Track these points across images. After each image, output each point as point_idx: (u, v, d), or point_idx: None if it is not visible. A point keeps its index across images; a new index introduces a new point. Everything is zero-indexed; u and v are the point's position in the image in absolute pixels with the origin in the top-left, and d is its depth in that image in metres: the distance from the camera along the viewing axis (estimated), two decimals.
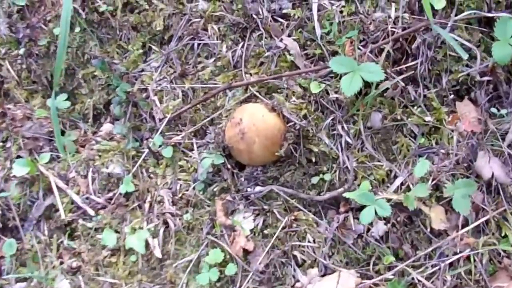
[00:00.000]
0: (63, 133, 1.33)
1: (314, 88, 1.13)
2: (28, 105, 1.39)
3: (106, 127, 1.32)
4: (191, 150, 1.21)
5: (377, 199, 1.05)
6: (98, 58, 1.31)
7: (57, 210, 1.25)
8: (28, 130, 1.33)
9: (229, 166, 1.15)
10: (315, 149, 1.12)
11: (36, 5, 1.41)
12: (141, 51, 1.31)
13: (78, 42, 1.35)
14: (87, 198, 1.24)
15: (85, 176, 1.27)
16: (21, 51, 1.39)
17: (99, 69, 1.30)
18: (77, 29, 1.34)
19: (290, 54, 1.18)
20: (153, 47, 1.31)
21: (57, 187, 1.26)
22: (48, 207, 1.27)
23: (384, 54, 1.12)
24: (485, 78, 1.13)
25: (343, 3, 1.20)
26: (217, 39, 1.24)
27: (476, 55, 1.12)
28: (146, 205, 1.21)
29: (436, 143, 1.13)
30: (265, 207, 1.12)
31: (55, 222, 1.25)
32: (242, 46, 1.22)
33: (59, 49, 1.12)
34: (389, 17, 1.16)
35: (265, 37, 1.22)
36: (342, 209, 1.12)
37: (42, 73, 1.39)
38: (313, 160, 1.13)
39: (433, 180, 1.09)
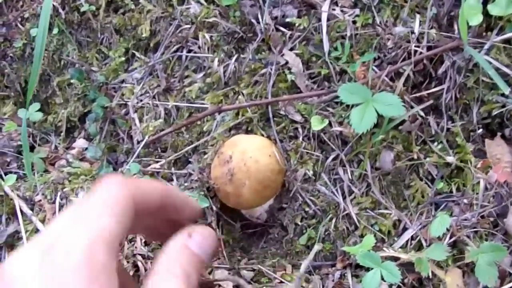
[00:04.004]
0: (32, 148, 1.37)
1: (316, 123, 1.10)
2: None
3: (79, 143, 1.35)
4: (170, 180, 1.22)
5: (383, 261, 1.03)
6: (75, 67, 1.34)
7: (21, 238, 1.30)
8: None
9: (214, 208, 1.15)
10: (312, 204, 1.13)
11: (14, 0, 1.46)
12: (123, 58, 1.33)
13: (56, 45, 1.39)
14: None
15: (53, 202, 1.31)
16: None
17: (76, 79, 1.33)
18: (55, 31, 1.38)
19: (291, 72, 1.17)
20: (137, 54, 1.32)
21: (22, 212, 1.30)
22: (11, 234, 1.32)
23: (403, 79, 1.09)
24: None
25: (357, 11, 1.17)
26: (208, 50, 1.24)
27: None
28: None
29: (458, 190, 1.08)
30: (254, 267, 1.12)
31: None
32: (236, 60, 1.22)
33: (35, 55, 1.16)
34: (412, 32, 1.12)
35: (263, 50, 1.21)
36: (339, 265, 1.10)
37: (16, 78, 1.44)
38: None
39: (451, 236, 1.05)
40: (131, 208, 0.73)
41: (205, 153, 1.19)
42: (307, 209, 1.12)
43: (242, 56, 1.22)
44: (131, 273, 1.19)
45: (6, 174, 1.36)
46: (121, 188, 0.74)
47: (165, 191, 0.83)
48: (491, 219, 1.05)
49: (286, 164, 1.12)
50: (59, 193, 1.30)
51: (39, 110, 1.39)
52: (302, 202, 1.13)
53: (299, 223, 1.13)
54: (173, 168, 1.22)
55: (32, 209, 1.30)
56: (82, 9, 1.35)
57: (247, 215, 1.16)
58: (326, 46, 1.17)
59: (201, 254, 0.83)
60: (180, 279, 0.76)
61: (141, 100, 1.28)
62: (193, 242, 0.79)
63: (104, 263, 0.65)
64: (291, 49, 1.19)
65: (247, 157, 1.05)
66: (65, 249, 0.61)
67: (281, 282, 1.09)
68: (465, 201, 1.07)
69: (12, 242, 1.31)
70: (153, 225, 0.85)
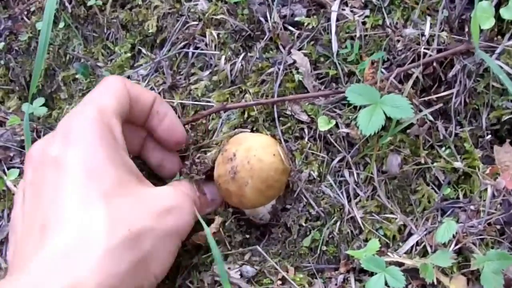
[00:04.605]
0: None
1: (322, 124, 1.11)
2: (2, 107, 1.46)
3: None
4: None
5: (387, 266, 1.03)
6: (81, 62, 1.35)
7: None
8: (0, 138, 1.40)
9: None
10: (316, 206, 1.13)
11: None
12: (129, 54, 1.33)
13: (61, 39, 1.40)
14: None
15: None
16: (1, 45, 1.45)
17: (81, 74, 1.34)
18: (61, 25, 1.39)
19: (298, 72, 1.17)
20: (143, 50, 1.33)
21: None
22: None
23: (411, 81, 1.09)
24: None
25: (367, 12, 1.17)
26: (215, 48, 1.25)
27: None
28: None
29: (465, 196, 1.09)
30: (256, 267, 1.13)
31: None
32: (243, 58, 1.22)
33: (39, 48, 1.17)
34: (423, 34, 1.12)
35: (271, 49, 1.21)
36: (342, 269, 1.10)
37: (21, 72, 1.45)
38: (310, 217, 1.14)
39: (457, 243, 1.05)
40: (126, 95, 1.00)
41: (208, 151, 1.19)
42: (311, 210, 1.13)
43: (249, 54, 1.22)
44: None
45: (9, 168, 1.37)
46: (118, 80, 1.02)
47: (156, 99, 1.08)
48: (498, 226, 1.06)
49: (291, 164, 1.12)
50: None
51: (44, 105, 1.40)
52: (306, 203, 1.13)
53: (304, 224, 1.13)
54: None
55: None
56: (88, 4, 1.36)
57: (250, 216, 1.16)
58: (335, 46, 1.17)
59: (208, 195, 1.12)
60: (196, 194, 1.07)
61: None
62: (204, 184, 1.11)
63: (109, 125, 0.93)
64: (299, 49, 1.19)
65: (251, 155, 1.05)
66: (79, 116, 0.93)
67: (283, 284, 1.09)
68: (472, 207, 1.07)
69: None
70: (148, 146, 1.13)
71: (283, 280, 1.09)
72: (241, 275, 1.08)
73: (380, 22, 1.16)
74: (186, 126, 1.21)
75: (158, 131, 1.10)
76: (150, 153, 1.13)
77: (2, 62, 1.46)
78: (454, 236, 1.05)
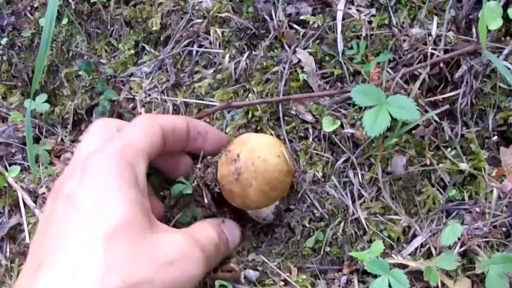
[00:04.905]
0: (38, 139, 1.39)
1: (327, 124, 1.11)
2: (5, 103, 1.46)
3: None
4: None
5: (391, 268, 1.03)
6: (84, 58, 1.35)
7: (23, 230, 1.31)
8: (1, 135, 1.40)
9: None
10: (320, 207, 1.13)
11: None
12: (132, 51, 1.33)
13: (65, 35, 1.40)
14: None
15: None
16: (3, 40, 1.45)
17: (84, 71, 1.34)
18: (65, 21, 1.39)
19: (303, 71, 1.17)
20: (147, 47, 1.33)
21: (25, 204, 1.32)
22: (13, 226, 1.33)
23: (418, 82, 1.09)
24: None
25: (373, 11, 1.17)
26: (219, 46, 1.25)
27: None
28: None
29: (470, 198, 1.09)
30: (259, 267, 1.13)
31: (18, 245, 1.30)
32: (248, 57, 1.22)
33: (42, 44, 1.17)
34: (429, 34, 1.12)
35: (276, 48, 1.21)
36: (345, 270, 1.10)
37: (23, 68, 1.45)
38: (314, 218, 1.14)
39: (461, 245, 1.05)
40: (158, 132, 0.97)
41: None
42: (315, 211, 1.13)
43: (254, 53, 1.22)
44: None
45: (10, 165, 1.38)
46: (150, 118, 1.01)
47: (189, 122, 1.07)
48: (504, 229, 1.06)
49: (295, 165, 1.12)
50: None
51: (46, 101, 1.41)
52: (310, 204, 1.13)
53: (307, 225, 1.13)
54: None
55: (35, 202, 1.31)
56: (92, 0, 1.36)
57: (253, 216, 1.16)
58: (340, 45, 1.17)
59: (229, 236, 1.07)
60: (214, 234, 1.00)
61: (149, 95, 1.29)
62: (225, 226, 1.07)
63: (132, 163, 0.88)
64: (305, 48, 1.19)
65: (255, 156, 1.05)
66: (101, 152, 0.89)
67: (285, 284, 1.09)
68: (477, 209, 1.07)
69: (14, 234, 1.32)
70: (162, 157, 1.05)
71: (286, 281, 1.09)
72: (245, 277, 1.08)
73: (386, 21, 1.16)
74: None
75: (206, 148, 1.10)
76: (165, 162, 1.11)
77: (5, 57, 1.46)
78: (459, 238, 1.04)
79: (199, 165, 1.11)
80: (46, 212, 0.88)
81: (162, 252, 0.83)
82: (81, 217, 0.80)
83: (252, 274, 1.10)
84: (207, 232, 0.99)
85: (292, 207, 1.15)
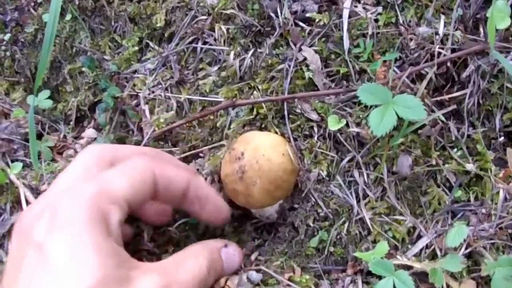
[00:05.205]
0: (40, 136, 1.39)
1: (333, 123, 1.11)
2: (7, 99, 1.47)
3: (88, 133, 1.36)
4: None
5: (396, 269, 1.02)
6: (87, 55, 1.35)
7: None
8: (3, 131, 1.40)
9: None
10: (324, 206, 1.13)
11: None
12: (136, 48, 1.34)
13: (68, 32, 1.40)
14: None
15: None
16: (7, 36, 1.46)
17: (87, 68, 1.34)
18: (68, 17, 1.39)
19: (308, 69, 1.17)
20: (151, 44, 1.33)
21: (26, 201, 1.32)
22: (14, 223, 1.33)
23: (425, 82, 1.09)
24: None
25: (380, 9, 1.17)
26: (224, 43, 1.25)
27: None
28: None
29: (476, 199, 1.08)
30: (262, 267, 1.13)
31: None
32: (253, 54, 1.22)
33: (45, 40, 1.17)
34: (437, 33, 1.12)
35: (281, 45, 1.21)
36: (349, 271, 1.10)
37: (26, 64, 1.45)
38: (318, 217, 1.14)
39: (467, 247, 1.05)
40: (149, 180, 0.91)
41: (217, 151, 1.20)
42: (319, 210, 1.13)
43: (259, 50, 1.22)
44: None
45: (12, 161, 1.38)
46: (145, 163, 0.93)
47: (191, 182, 0.99)
48: (510, 231, 1.05)
49: (300, 164, 1.12)
50: None
51: (49, 97, 1.41)
52: (314, 203, 1.13)
53: (311, 224, 1.13)
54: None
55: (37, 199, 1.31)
56: None
57: (257, 214, 1.16)
58: (346, 43, 1.17)
59: (226, 263, 1.02)
60: (203, 267, 0.92)
61: (153, 92, 1.29)
62: (225, 251, 1.02)
63: (105, 211, 0.83)
64: (310, 46, 1.19)
65: (260, 155, 1.05)
66: (73, 194, 0.84)
67: (289, 285, 1.09)
68: (483, 211, 1.07)
69: None
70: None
71: (289, 280, 1.09)
72: (248, 279, 1.08)
73: (393, 20, 1.16)
74: (194, 122, 1.22)
75: (202, 216, 1.04)
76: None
77: (8, 53, 1.47)
78: (464, 240, 1.04)
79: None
80: (14, 257, 0.82)
81: None
82: (53, 275, 0.75)
83: (255, 276, 1.10)
84: (194, 266, 0.92)
85: (296, 206, 1.14)
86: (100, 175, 0.89)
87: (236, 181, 1.06)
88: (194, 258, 0.94)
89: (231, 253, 1.04)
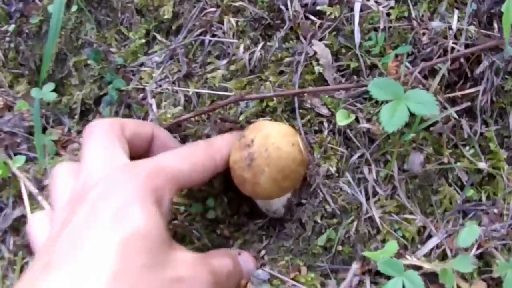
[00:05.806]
0: (44, 129, 1.39)
1: (341, 118, 1.10)
2: (11, 92, 1.47)
3: None
4: None
5: (405, 269, 1.01)
6: (93, 47, 1.35)
7: (27, 222, 1.31)
8: (7, 124, 1.40)
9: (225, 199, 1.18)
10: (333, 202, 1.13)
11: None
12: (143, 40, 1.33)
13: (74, 23, 1.40)
14: None
15: None
16: (11, 27, 1.46)
17: (93, 60, 1.34)
18: (74, 8, 1.39)
19: (318, 64, 1.17)
20: (158, 36, 1.33)
21: (29, 195, 1.32)
22: (17, 218, 1.33)
23: (438, 77, 1.08)
24: None
25: (392, 3, 1.16)
26: (233, 36, 1.24)
27: None
28: None
29: (488, 198, 1.08)
30: (267, 265, 1.12)
31: (22, 237, 1.31)
32: (262, 48, 1.21)
33: (50, 32, 1.18)
34: (450, 28, 1.11)
35: (291, 39, 1.20)
36: (358, 270, 1.09)
37: (31, 56, 1.45)
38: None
39: (478, 247, 1.04)
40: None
41: None
42: (327, 207, 1.12)
43: (268, 44, 1.21)
44: None
45: (15, 155, 1.38)
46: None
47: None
48: None
49: (309, 156, 1.11)
50: None
51: (54, 90, 1.40)
52: (322, 199, 1.13)
53: (319, 221, 1.12)
54: None
55: (40, 193, 1.31)
56: None
57: (263, 208, 1.15)
58: (358, 37, 1.16)
59: (244, 268, 1.07)
60: (230, 267, 0.99)
61: (160, 85, 1.29)
62: (241, 258, 1.07)
63: (159, 187, 0.90)
64: (321, 39, 1.19)
65: (270, 143, 1.05)
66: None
67: (295, 285, 1.08)
68: (495, 210, 1.06)
69: (18, 226, 1.33)
70: None
71: (295, 279, 1.09)
72: (255, 277, 1.08)
73: (406, 14, 1.15)
74: (203, 115, 1.21)
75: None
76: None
77: (12, 45, 1.47)
78: (476, 240, 1.03)
79: None
80: (65, 218, 0.86)
81: (172, 268, 0.83)
82: (99, 223, 0.80)
83: (261, 274, 1.09)
84: (221, 259, 0.99)
85: (303, 201, 1.14)
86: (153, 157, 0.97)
87: (244, 168, 1.06)
88: (220, 255, 1.01)
89: (245, 259, 1.08)
